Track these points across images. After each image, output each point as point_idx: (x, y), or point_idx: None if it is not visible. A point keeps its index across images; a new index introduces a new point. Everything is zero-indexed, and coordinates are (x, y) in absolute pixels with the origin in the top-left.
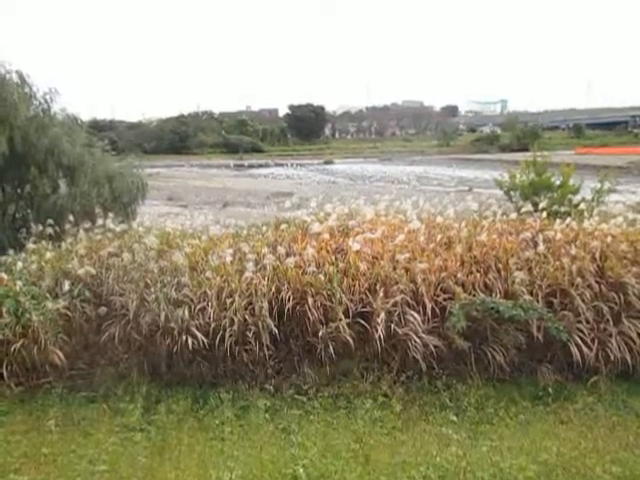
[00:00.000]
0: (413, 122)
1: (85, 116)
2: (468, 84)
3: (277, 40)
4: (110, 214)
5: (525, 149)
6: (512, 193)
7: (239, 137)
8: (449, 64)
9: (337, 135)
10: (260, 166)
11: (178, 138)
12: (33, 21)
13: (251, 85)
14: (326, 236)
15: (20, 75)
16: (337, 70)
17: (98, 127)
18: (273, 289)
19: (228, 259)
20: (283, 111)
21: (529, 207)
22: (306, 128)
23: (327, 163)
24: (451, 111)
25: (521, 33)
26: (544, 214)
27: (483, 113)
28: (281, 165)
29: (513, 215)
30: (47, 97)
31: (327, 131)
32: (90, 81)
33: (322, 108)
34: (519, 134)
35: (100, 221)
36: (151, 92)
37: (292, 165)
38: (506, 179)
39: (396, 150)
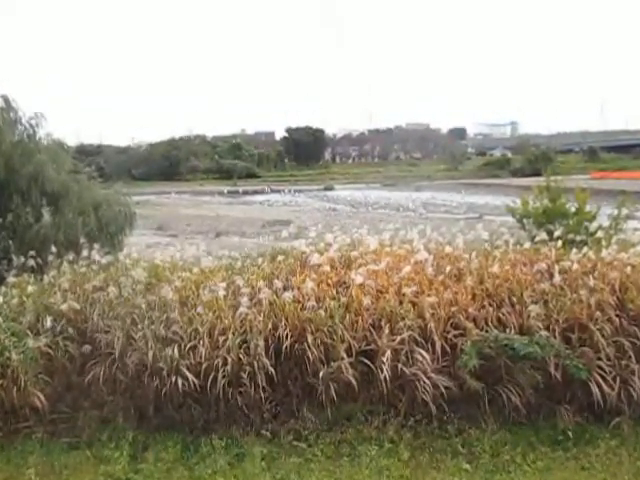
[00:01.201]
0: (419, 145)
1: (72, 140)
2: (476, 106)
3: (274, 60)
4: (96, 245)
5: (538, 173)
6: (525, 221)
7: (233, 162)
8: (456, 85)
9: (338, 159)
10: (255, 192)
11: (169, 163)
12: (18, 42)
13: (246, 107)
14: (327, 268)
15: (5, 99)
16: (337, 92)
17: (85, 152)
18: (269, 326)
19: (221, 293)
20: (280, 134)
21: (543, 236)
22: (304, 152)
23: (327, 189)
24: (459, 134)
25: (531, 53)
26: (559, 243)
27: (492, 136)
28: (278, 191)
29: (527, 244)
30: (33, 122)
31: (327, 155)
32: (77, 104)
33: (321, 131)
34: (531, 158)
35: (85, 252)
36: (141, 115)
37: (290, 191)
38: (518, 206)
39: (401, 175)
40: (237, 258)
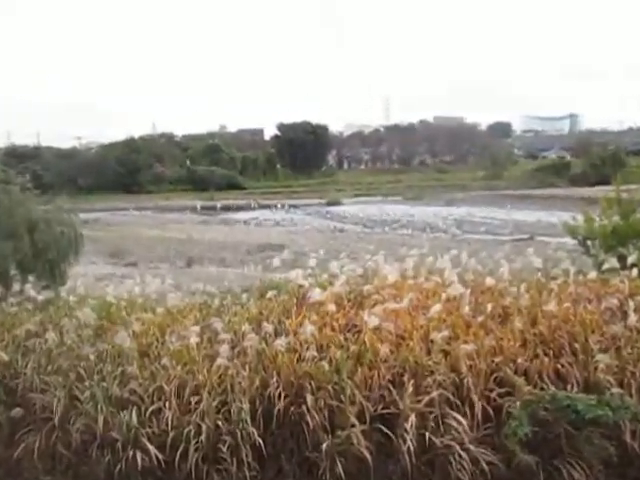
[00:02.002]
0: (450, 146)
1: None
2: (525, 93)
3: (258, 37)
4: (31, 277)
5: (605, 181)
6: (589, 243)
7: (209, 169)
8: (497, 67)
9: (345, 165)
10: (239, 209)
11: (125, 170)
12: None
13: (226, 98)
14: (331, 307)
15: None
16: (344, 77)
17: (17, 155)
18: (257, 383)
19: (193, 340)
20: (271, 132)
21: (613, 262)
22: (302, 155)
23: (331, 204)
24: (502, 130)
25: (596, 26)
26: (634, 272)
27: (546, 133)
28: (268, 207)
29: (592, 274)
30: None
31: (331, 159)
32: (7, 98)
33: (324, 128)
34: (596, 161)
35: (17, 286)
36: (90, 109)
37: (283, 207)
38: (580, 224)
39: (427, 185)
40: (215, 294)
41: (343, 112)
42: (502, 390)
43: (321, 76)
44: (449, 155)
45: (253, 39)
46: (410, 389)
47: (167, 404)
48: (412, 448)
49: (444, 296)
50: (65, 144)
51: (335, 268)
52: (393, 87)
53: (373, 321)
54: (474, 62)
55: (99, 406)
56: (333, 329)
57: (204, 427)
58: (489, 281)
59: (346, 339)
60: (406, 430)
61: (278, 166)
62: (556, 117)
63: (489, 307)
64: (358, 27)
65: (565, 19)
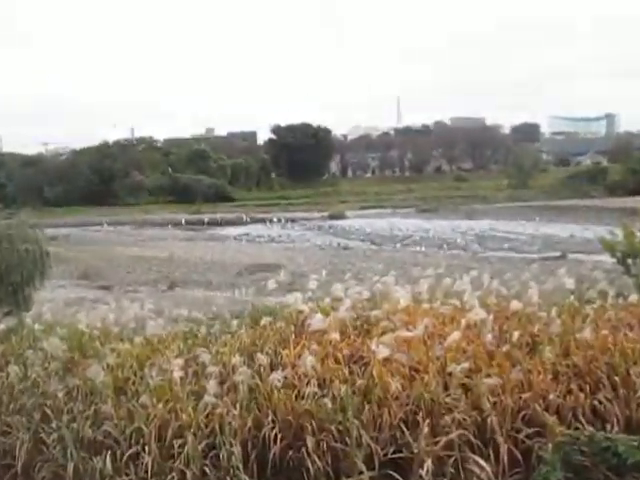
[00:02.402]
0: (469, 151)
1: None
2: (555, 91)
3: (252, 34)
4: None
5: None
6: (630, 261)
7: (195, 178)
8: (519, 63)
9: (350, 172)
10: (229, 223)
11: (99, 179)
12: None
13: (214, 97)
14: (335, 336)
15: None
16: (348, 77)
17: None
18: (250, 423)
19: (177, 375)
20: (265, 135)
21: None
22: (301, 162)
23: (334, 217)
24: (529, 133)
25: (636, 19)
26: None
27: (579, 135)
28: (262, 221)
29: (634, 297)
30: None
31: (334, 166)
32: None
33: (326, 131)
34: (636, 166)
35: None
36: (58, 109)
37: (279, 221)
38: (619, 239)
39: (444, 195)
40: (201, 321)
41: (348, 113)
42: (531, 430)
43: (322, 75)
44: (468, 161)
45: (246, 35)
46: (425, 430)
47: (146, 448)
48: None
49: (464, 322)
50: (30, 150)
51: (339, 291)
52: (404, 87)
53: (382, 351)
54: (494, 58)
55: (68, 451)
56: (337, 361)
57: (189, 474)
58: (515, 305)
59: (352, 372)
60: (421, 477)
61: (273, 174)
62: (590, 118)
63: (515, 335)
64: (361, 24)
65: (602, 12)
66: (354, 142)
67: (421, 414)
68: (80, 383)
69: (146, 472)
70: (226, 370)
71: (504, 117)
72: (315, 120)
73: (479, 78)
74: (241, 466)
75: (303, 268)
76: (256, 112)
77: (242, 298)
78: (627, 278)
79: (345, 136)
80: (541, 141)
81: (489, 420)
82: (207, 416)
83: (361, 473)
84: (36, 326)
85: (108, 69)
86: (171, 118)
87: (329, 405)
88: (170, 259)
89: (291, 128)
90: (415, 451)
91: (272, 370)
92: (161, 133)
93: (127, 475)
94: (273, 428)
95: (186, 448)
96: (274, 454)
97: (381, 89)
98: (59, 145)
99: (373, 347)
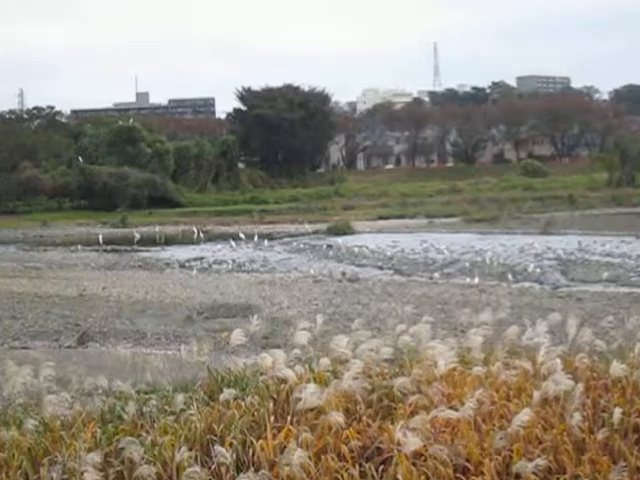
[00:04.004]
0: (547, 129)
1: None
2: None
3: None
4: None
5: None
6: None
7: (120, 171)
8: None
9: (362, 162)
10: (172, 242)
11: None
12: None
13: (147, 44)
14: (337, 417)
15: None
16: (356, 11)
17: None
18: None
19: (91, 479)
20: (228, 104)
21: None
22: (286, 146)
23: (337, 232)
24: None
25: None
26: None
27: None
28: (223, 238)
29: None
30: None
31: (336, 152)
32: None
33: (324, 97)
34: None
35: None
36: None
37: (250, 238)
38: None
39: (509, 196)
40: (128, 395)
41: (357, 71)
42: None
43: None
44: (545, 144)
45: None
46: None
47: None
48: None
49: (537, 396)
50: None
51: (343, 347)
52: (441, 27)
53: (412, 442)
54: None
55: None
56: (341, 457)
57: None
58: (617, 369)
59: (364, 475)
60: None
61: (241, 165)
62: None
63: (617, 414)
64: None
65: None
66: (368, 115)
67: None
68: None
69: None
70: (167, 471)
71: (600, 76)
72: (306, 81)
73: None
74: None
75: (287, 311)
76: (214, 68)
77: (192, 358)
78: None
79: (353, 105)
80: None
81: None
82: None
83: None
84: None
85: None
86: (82, 79)
87: None
88: (80, 298)
89: (268, 93)
90: None
91: (239, 471)
92: (67, 101)
93: None
94: None
95: None
96: None
97: (406, 33)
98: None
99: (397, 435)
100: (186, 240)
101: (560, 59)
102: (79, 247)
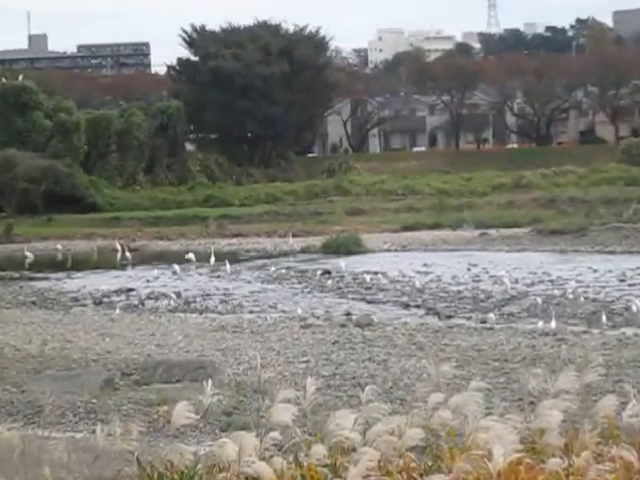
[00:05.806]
0: None
1: None
2: None
3: None
4: None
5: None
6: None
7: (4, 154)
8: None
9: (377, 141)
10: (84, 265)
11: None
12: None
13: None
14: None
15: None
16: None
17: None
18: None
19: None
20: (169, 52)
21: None
22: (259, 116)
23: (334, 250)
24: None
25: None
26: None
27: None
28: (164, 259)
29: None
30: None
31: (337, 128)
32: None
33: (319, 40)
34: None
35: None
36: None
37: (206, 260)
38: None
39: (599, 196)
40: None
41: (365, 2)
42: None
43: None
44: None
45: None
46: None
47: None
48: None
49: None
50: None
51: (348, 428)
52: None
53: None
54: None
55: None
56: None
57: None
58: None
59: None
60: None
61: (189, 146)
62: None
63: None
64: None
65: None
66: (386, 70)
67: None
68: None
69: None
70: None
71: None
72: (291, 17)
73: None
74: None
75: (261, 373)
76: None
77: (114, 446)
78: None
79: (363, 55)
80: None
81: None
82: None
83: None
84: None
85: None
86: None
87: None
88: None
89: (232, 35)
90: None
91: None
92: None
93: None
94: None
95: None
96: None
97: None
98: None
99: None
100: (105, 263)
101: None
102: None
